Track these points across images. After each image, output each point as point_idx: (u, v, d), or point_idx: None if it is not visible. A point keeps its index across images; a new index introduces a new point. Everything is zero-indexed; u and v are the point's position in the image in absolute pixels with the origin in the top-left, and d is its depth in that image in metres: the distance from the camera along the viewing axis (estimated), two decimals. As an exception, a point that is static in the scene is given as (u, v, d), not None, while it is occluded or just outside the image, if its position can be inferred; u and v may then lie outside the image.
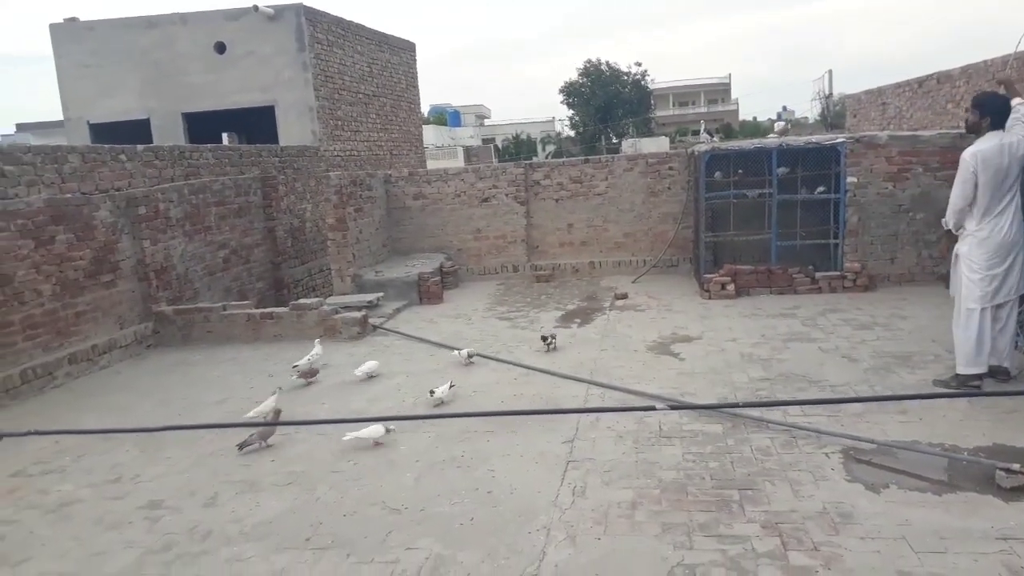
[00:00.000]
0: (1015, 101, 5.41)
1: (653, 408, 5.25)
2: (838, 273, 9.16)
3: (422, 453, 5.01)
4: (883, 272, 9.26)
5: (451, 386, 6.09)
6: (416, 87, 21.72)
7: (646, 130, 51.86)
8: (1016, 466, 3.92)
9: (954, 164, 8.58)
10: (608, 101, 52.29)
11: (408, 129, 21.00)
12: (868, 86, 20.31)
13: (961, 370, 5.46)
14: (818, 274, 9.18)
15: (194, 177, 10.75)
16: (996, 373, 5.45)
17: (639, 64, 62.26)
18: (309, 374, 6.85)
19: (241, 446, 5.25)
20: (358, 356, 7.39)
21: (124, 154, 9.56)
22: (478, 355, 7.17)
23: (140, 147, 9.99)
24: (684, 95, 73.31)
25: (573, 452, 4.83)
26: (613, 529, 3.82)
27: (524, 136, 57.56)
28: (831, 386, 5.77)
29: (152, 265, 8.82)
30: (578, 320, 8.75)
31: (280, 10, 15.32)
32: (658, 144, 39.86)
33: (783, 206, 9.42)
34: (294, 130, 15.62)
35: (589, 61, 54.34)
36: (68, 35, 16.33)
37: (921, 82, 16.12)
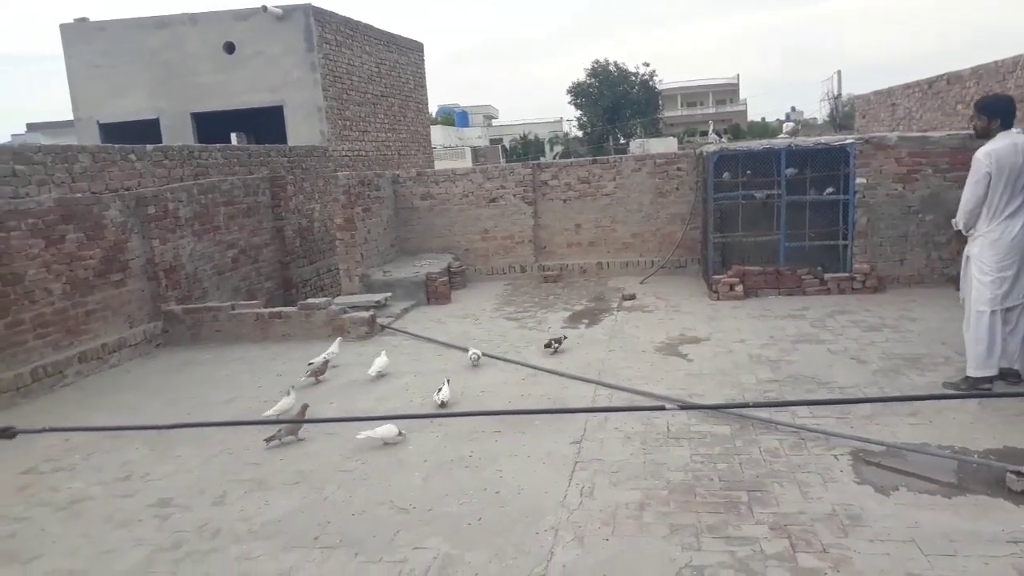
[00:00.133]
0: None
1: (663, 408, 5.24)
2: (847, 274, 9.13)
3: (430, 453, 5.01)
4: (892, 274, 9.22)
5: (447, 382, 6.07)
6: (424, 87, 21.75)
7: (654, 130, 51.75)
8: (1027, 469, 3.90)
9: (964, 165, 8.54)
10: (616, 101, 52.25)
11: (416, 129, 21.03)
12: (877, 87, 20.24)
13: (971, 373, 5.43)
14: (827, 275, 9.15)
15: (203, 177, 10.80)
16: (1007, 376, 5.42)
17: (647, 64, 62.15)
18: (319, 372, 6.87)
19: (268, 440, 5.30)
20: (366, 356, 7.40)
21: (134, 154, 9.61)
22: (486, 355, 7.18)
23: (150, 147, 10.04)
24: (692, 96, 73.18)
25: (581, 453, 4.83)
26: (621, 530, 3.82)
27: (532, 136, 57.54)
28: (840, 388, 5.75)
29: (161, 264, 8.86)
30: (586, 321, 8.75)
31: (289, 10, 15.37)
32: (666, 145, 39.76)
33: (792, 207, 9.39)
34: (302, 130, 15.66)
35: (597, 61, 54.38)
36: (78, 35, 16.42)
37: (931, 83, 16.06)
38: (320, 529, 4.06)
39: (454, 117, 60.24)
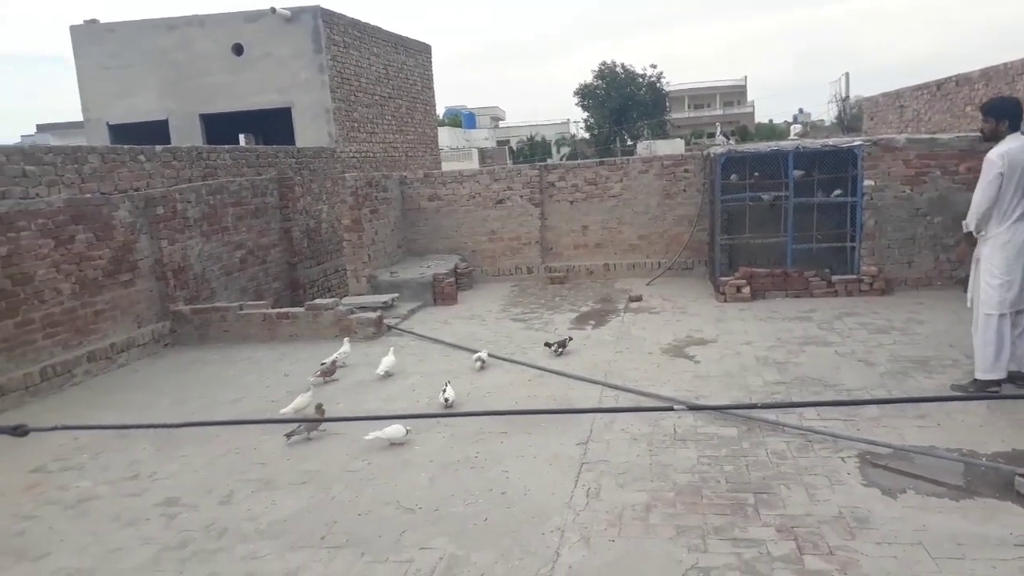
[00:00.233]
0: None
1: (671, 408, 5.23)
2: (854, 277, 9.10)
3: (436, 453, 5.02)
4: (900, 276, 9.18)
5: (448, 384, 6.08)
6: (431, 89, 21.80)
7: (661, 132, 51.67)
8: (1035, 472, 3.88)
9: (972, 168, 8.53)
10: (623, 103, 52.17)
11: (423, 131, 21.07)
12: (886, 89, 20.18)
13: (980, 376, 5.41)
14: (834, 277, 9.13)
15: (212, 178, 10.84)
16: (1015, 379, 5.39)
17: (654, 66, 61.89)
18: (327, 372, 6.90)
19: (289, 435, 5.34)
20: (373, 356, 7.42)
21: (143, 155, 9.66)
22: (492, 356, 7.18)
23: (159, 148, 10.09)
24: (700, 97, 73.04)
25: (587, 454, 4.83)
26: (627, 531, 3.81)
27: (539, 138, 57.51)
28: (847, 390, 5.73)
29: (170, 265, 8.90)
30: (592, 322, 8.74)
31: (297, 12, 15.42)
32: (673, 146, 39.69)
33: (799, 209, 9.37)
34: (310, 131, 15.71)
35: (604, 63, 54.25)
36: (88, 37, 16.51)
37: (939, 84, 16.01)
38: (326, 529, 4.07)
39: (461, 119, 60.27)
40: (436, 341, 8.18)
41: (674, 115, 61.69)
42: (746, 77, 75.91)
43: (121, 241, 8.25)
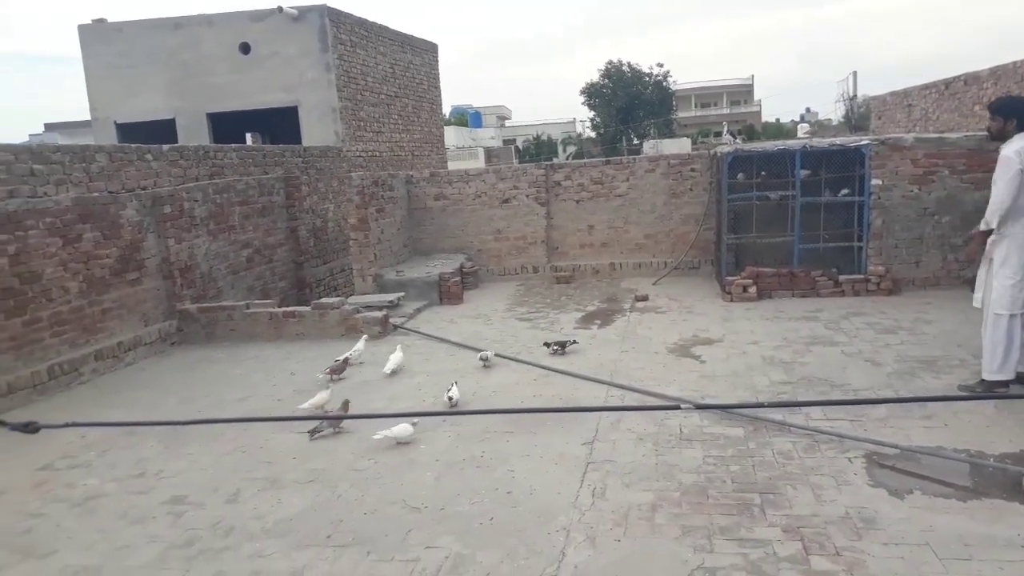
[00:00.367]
0: None
1: (677, 407, 5.22)
2: (862, 276, 9.08)
3: (442, 452, 5.03)
4: (907, 276, 9.15)
5: (455, 383, 6.10)
6: (438, 88, 21.79)
7: (668, 131, 51.62)
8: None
9: (980, 167, 8.50)
10: (630, 102, 52.14)
11: (430, 130, 21.08)
12: (893, 87, 20.11)
13: (988, 377, 5.38)
14: (841, 277, 9.10)
15: (218, 177, 10.87)
16: (1023, 380, 5.36)
17: (661, 65, 61.78)
18: (336, 371, 6.91)
19: (312, 432, 5.39)
20: (379, 355, 7.43)
21: (150, 153, 9.69)
22: (498, 356, 7.18)
23: (166, 147, 10.12)
24: (706, 96, 72.93)
25: (593, 454, 4.83)
26: (633, 531, 3.81)
27: (545, 137, 57.53)
28: (854, 390, 5.71)
29: (177, 263, 8.93)
30: (598, 321, 8.73)
31: (304, 11, 15.44)
32: (680, 145, 39.68)
33: (806, 208, 9.35)
34: (317, 130, 15.73)
35: (610, 62, 54.22)
36: (96, 36, 16.56)
37: (948, 83, 15.94)
38: (333, 528, 4.08)
39: (467, 118, 60.31)
40: (442, 340, 8.19)
41: (681, 114, 61.63)
42: (753, 76, 75.78)
43: (128, 240, 8.28)
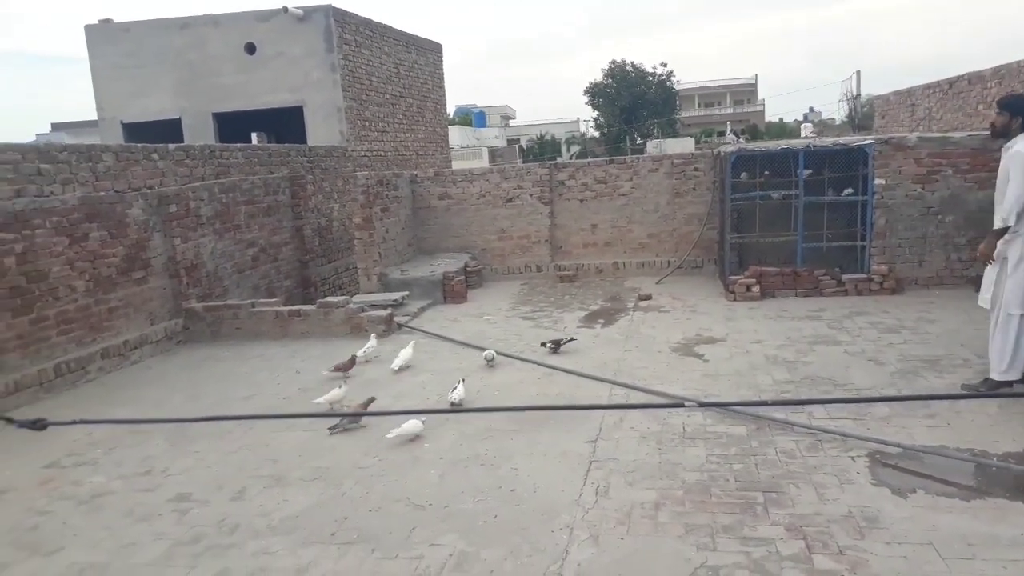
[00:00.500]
0: None
1: (681, 405, 5.24)
2: (865, 276, 9.07)
3: (446, 450, 5.05)
4: (911, 275, 9.14)
5: (462, 381, 6.14)
6: (442, 88, 21.82)
7: (671, 131, 51.51)
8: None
9: (984, 166, 8.49)
10: (633, 102, 52.03)
11: (434, 130, 21.11)
12: (897, 87, 20.08)
13: (995, 376, 5.36)
14: (844, 277, 9.10)
15: (224, 176, 10.91)
16: (1028, 379, 5.36)
17: (664, 65, 61.76)
18: (344, 368, 6.93)
19: (332, 428, 5.47)
20: (384, 354, 7.46)
21: (156, 153, 9.73)
22: (501, 354, 7.20)
23: (172, 146, 10.16)
24: (710, 96, 72.78)
25: (596, 452, 4.84)
26: (636, 529, 3.83)
27: (549, 137, 57.49)
28: (857, 389, 5.72)
29: (183, 262, 8.96)
30: (602, 321, 8.75)
31: (309, 11, 15.49)
32: (683, 145, 39.61)
33: (810, 208, 9.34)
34: (322, 130, 15.78)
35: (614, 62, 54.09)
36: (103, 36, 16.63)
37: (952, 83, 15.92)
38: (337, 525, 4.10)
39: (471, 117, 60.33)
40: (446, 339, 8.21)
41: (684, 114, 61.55)
42: (756, 76, 75.75)
43: (134, 239, 8.32)
